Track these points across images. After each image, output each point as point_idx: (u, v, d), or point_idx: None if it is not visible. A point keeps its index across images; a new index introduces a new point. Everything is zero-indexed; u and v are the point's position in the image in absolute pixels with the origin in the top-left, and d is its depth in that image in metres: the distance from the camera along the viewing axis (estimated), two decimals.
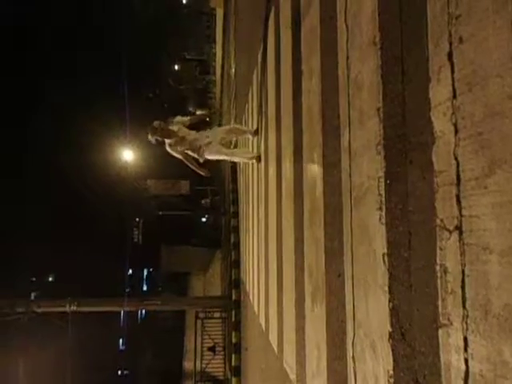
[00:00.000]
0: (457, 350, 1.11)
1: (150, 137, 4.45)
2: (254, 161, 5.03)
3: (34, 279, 35.23)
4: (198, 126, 4.87)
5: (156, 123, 4.45)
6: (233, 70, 11.12)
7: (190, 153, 4.54)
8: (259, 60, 5.12)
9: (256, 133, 5.02)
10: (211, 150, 4.57)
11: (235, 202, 9.50)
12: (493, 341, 0.99)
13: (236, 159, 5.38)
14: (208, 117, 6.00)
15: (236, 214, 9.42)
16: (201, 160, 4.61)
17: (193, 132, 4.59)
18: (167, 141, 4.45)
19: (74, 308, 8.65)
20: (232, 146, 7.57)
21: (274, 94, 4.01)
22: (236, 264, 8.88)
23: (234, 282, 8.88)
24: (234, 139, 5.18)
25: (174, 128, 4.50)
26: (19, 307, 8.96)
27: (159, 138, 4.46)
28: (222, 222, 15.87)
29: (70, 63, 33.79)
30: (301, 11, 2.91)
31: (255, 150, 5.27)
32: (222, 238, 16.26)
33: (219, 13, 17.18)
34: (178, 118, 4.66)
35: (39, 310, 9.05)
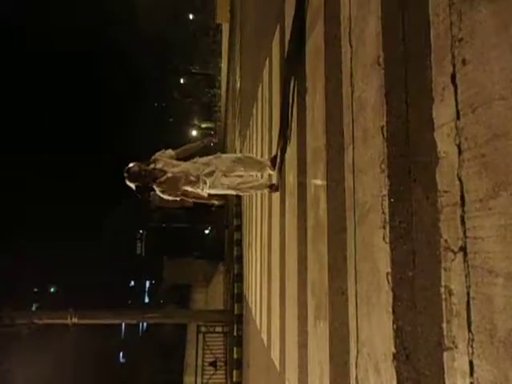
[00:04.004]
0: (462, 374, 1.09)
1: (129, 183, 3.39)
2: (267, 191, 3.96)
3: (35, 290, 35.16)
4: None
5: (134, 167, 3.38)
6: (238, 85, 11.24)
7: (189, 189, 3.53)
8: (264, 77, 5.18)
9: (274, 163, 3.82)
10: (214, 182, 3.52)
11: (238, 215, 9.50)
12: (499, 366, 0.97)
13: (246, 192, 4.08)
14: (206, 144, 3.98)
15: (239, 228, 9.41)
16: (203, 194, 3.58)
17: (185, 163, 3.57)
18: (156, 186, 3.44)
19: (75, 320, 8.58)
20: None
21: (278, 111, 4.04)
22: (239, 278, 8.82)
23: (237, 296, 8.80)
24: (242, 173, 3.73)
25: (159, 165, 3.44)
26: (20, 319, 8.91)
27: (142, 185, 3.40)
28: (225, 234, 15.84)
29: (75, 76, 34.34)
30: (306, 30, 2.96)
31: (266, 175, 4.15)
32: (224, 251, 16.20)
33: (225, 28, 17.47)
34: (160, 153, 3.56)
35: (40, 322, 9.00)
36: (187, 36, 32.81)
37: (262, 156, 5.23)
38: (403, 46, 1.52)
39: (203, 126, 37.97)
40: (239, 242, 9.36)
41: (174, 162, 3.54)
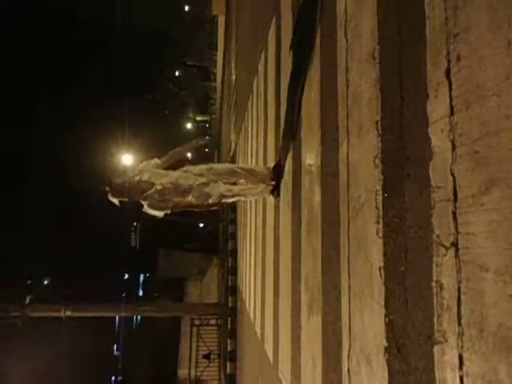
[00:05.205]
0: (452, 367, 1.11)
1: (111, 198, 3.11)
2: (269, 195, 3.57)
3: (29, 282, 35.00)
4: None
5: (117, 180, 3.11)
6: (233, 77, 11.18)
7: (179, 200, 3.23)
8: (260, 70, 5.15)
9: (275, 173, 3.48)
10: (210, 192, 3.23)
11: (233, 208, 9.50)
12: (488, 359, 0.99)
13: (246, 198, 3.69)
14: (193, 147, 3.44)
15: (234, 221, 9.42)
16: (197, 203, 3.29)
17: (174, 172, 3.25)
18: (143, 200, 3.14)
19: (68, 313, 8.58)
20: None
21: (273, 105, 4.02)
22: (233, 271, 8.86)
23: (231, 289, 8.84)
24: (241, 184, 3.44)
25: (145, 177, 3.14)
26: (13, 311, 8.88)
27: (127, 199, 3.13)
28: (220, 228, 15.86)
29: (71, 67, 33.98)
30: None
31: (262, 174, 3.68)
32: (219, 244, 16.23)
33: (221, 20, 17.32)
34: (145, 163, 3.26)
35: (34, 315, 8.98)
36: (183, 28, 32.52)
37: (257, 151, 5.22)
38: (399, 40, 1.52)
39: (198, 118, 37.82)
40: (233, 236, 9.38)
41: (162, 171, 3.22)
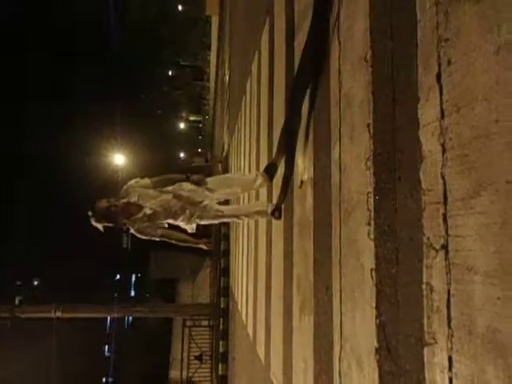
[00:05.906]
0: (441, 368, 1.12)
1: (95, 223, 2.76)
2: (272, 217, 3.18)
3: (19, 283, 34.59)
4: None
5: (101, 203, 2.73)
6: (227, 78, 11.17)
7: (172, 221, 2.95)
8: (253, 70, 5.16)
9: (270, 174, 3.29)
10: (205, 212, 2.97)
11: None
12: (477, 361, 1.00)
13: (243, 220, 3.35)
14: (192, 180, 3.02)
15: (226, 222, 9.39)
16: (189, 230, 3.00)
17: (166, 190, 2.92)
18: (130, 225, 2.85)
19: (59, 314, 8.50)
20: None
21: (267, 106, 4.03)
22: (225, 272, 8.84)
23: (223, 290, 8.83)
24: (239, 195, 3.22)
25: (133, 198, 2.81)
26: (3, 312, 8.77)
27: (111, 224, 2.79)
28: (212, 229, 15.82)
29: (65, 68, 33.75)
30: (295, 23, 2.95)
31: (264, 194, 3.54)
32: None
33: (214, 21, 17.30)
34: (133, 182, 2.90)
35: (23, 316, 8.87)
36: (176, 27, 32.42)
37: (250, 152, 5.22)
38: (391, 44, 1.53)
39: (191, 118, 37.75)
40: (226, 237, 9.36)
41: (151, 192, 2.87)
